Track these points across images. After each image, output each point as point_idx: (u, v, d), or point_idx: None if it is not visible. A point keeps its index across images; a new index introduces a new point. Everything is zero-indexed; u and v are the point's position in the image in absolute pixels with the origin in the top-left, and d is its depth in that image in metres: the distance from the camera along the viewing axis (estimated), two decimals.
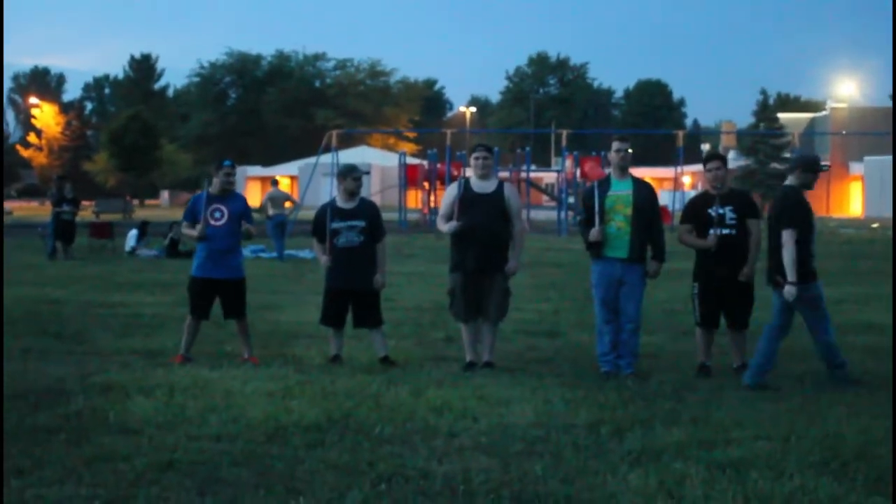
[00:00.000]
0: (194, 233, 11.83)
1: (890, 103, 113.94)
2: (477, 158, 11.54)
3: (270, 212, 29.66)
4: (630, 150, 11.42)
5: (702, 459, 7.65)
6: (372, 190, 75.20)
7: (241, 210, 11.96)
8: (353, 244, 11.67)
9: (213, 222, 11.77)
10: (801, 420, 8.89)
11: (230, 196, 12.02)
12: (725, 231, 11.29)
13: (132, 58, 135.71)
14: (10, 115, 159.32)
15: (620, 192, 11.20)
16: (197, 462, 7.56)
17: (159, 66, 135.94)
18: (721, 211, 11.31)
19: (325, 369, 11.32)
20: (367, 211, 11.87)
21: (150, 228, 33.00)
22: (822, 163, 11.21)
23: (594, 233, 11.12)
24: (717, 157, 11.68)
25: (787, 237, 10.53)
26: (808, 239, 10.68)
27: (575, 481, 7.17)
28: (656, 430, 8.58)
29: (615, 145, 11.37)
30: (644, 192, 11.25)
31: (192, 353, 11.88)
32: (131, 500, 6.71)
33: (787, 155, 75.01)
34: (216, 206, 11.85)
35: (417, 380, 10.63)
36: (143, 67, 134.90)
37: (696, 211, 11.62)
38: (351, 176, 11.85)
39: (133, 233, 31.65)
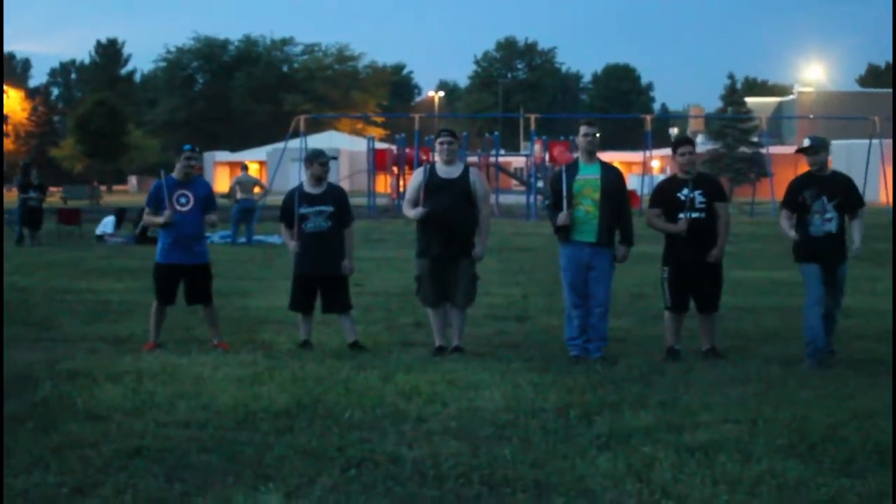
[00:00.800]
0: (160, 219, 11.75)
1: (857, 87, 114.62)
2: (442, 143, 11.56)
3: (239, 195, 29.61)
4: (598, 135, 11.44)
5: (670, 443, 7.69)
6: (340, 175, 75.10)
7: (206, 195, 11.91)
8: (322, 229, 11.65)
9: (179, 208, 11.71)
10: (769, 403, 8.94)
11: (195, 181, 11.96)
12: (695, 215, 11.32)
13: (98, 43, 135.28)
14: None
15: (588, 176, 11.22)
16: (165, 448, 7.54)
17: (126, 50, 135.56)
18: (691, 194, 11.34)
19: (294, 355, 11.33)
20: (335, 196, 11.85)
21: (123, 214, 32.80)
22: (804, 146, 11.41)
23: (562, 217, 11.14)
24: (687, 141, 11.74)
25: (780, 217, 11.48)
26: (804, 221, 11.18)
27: (544, 465, 7.19)
28: (625, 413, 8.61)
29: (583, 129, 11.38)
30: (612, 177, 11.29)
31: (161, 339, 11.85)
32: (99, 487, 6.68)
33: (755, 139, 75.38)
34: (182, 192, 11.78)
35: (387, 365, 10.65)
36: (110, 52, 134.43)
37: (664, 195, 11.63)
38: (318, 161, 11.82)
39: (110, 219, 31.42)
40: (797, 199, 11.27)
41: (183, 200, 11.74)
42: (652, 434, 7.97)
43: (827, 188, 11.16)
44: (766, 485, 6.77)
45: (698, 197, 11.32)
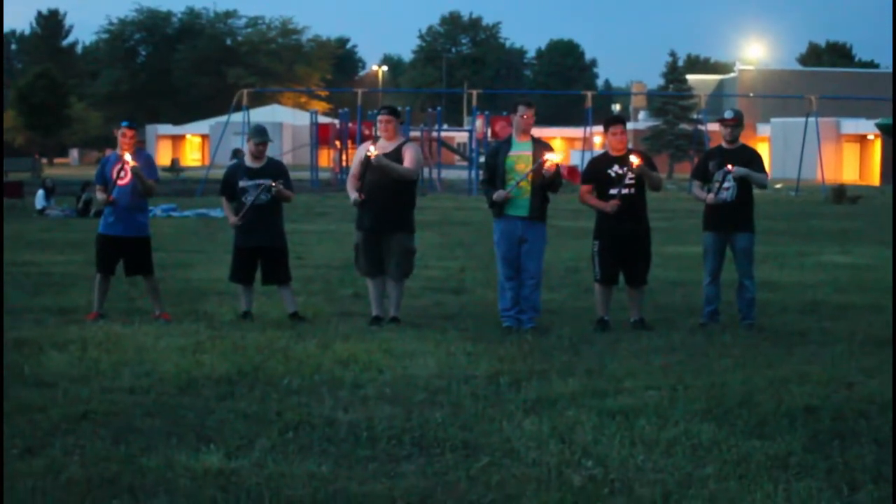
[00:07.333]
0: (101, 197, 12.08)
1: (797, 66, 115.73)
2: (380, 121, 11.90)
3: None
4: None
5: (593, 408, 8.07)
6: (283, 149, 75.11)
7: (143, 164, 12.08)
8: (262, 202, 11.90)
9: (118, 182, 11.95)
10: (690, 371, 9.36)
11: (136, 154, 12.13)
12: (625, 190, 11.66)
13: (39, 13, 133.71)
14: None
15: (521, 152, 11.55)
16: (111, 413, 7.84)
17: (67, 21, 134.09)
18: (621, 171, 11.68)
19: (235, 325, 11.61)
20: (275, 170, 12.10)
21: (61, 188, 32.77)
22: (724, 116, 12.09)
23: (500, 194, 11.45)
24: (619, 120, 12.11)
25: (692, 187, 12.42)
26: (709, 189, 11.89)
27: (473, 428, 7.55)
28: (552, 380, 8.99)
29: (522, 110, 11.68)
30: (543, 152, 11.58)
31: (104, 309, 12.07)
32: (48, 449, 6.96)
33: (695, 116, 76.07)
34: (122, 166, 12.01)
35: (325, 334, 10.95)
36: (51, 23, 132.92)
37: (596, 171, 11.96)
38: (254, 140, 12.04)
39: (40, 193, 31.45)
40: (705, 168, 12.05)
41: (122, 174, 11.95)
42: (577, 399, 8.33)
43: (731, 159, 11.76)
44: (681, 445, 7.16)
45: (629, 173, 11.66)
